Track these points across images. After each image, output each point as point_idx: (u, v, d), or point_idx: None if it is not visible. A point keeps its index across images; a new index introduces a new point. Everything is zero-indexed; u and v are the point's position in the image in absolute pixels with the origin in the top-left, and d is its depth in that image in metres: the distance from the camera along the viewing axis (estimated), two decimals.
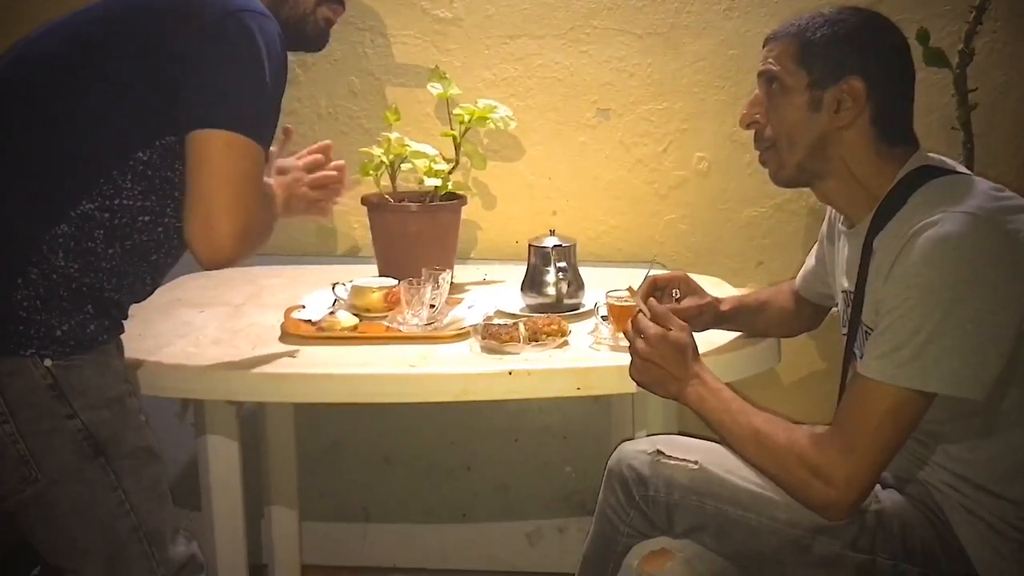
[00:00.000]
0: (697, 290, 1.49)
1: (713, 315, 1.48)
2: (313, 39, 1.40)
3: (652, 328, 1.26)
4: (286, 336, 1.52)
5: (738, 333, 1.54)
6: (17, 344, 1.15)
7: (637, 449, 1.28)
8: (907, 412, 1.08)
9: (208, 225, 1.13)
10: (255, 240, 1.20)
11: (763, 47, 1.26)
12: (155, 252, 1.25)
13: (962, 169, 1.22)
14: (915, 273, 1.07)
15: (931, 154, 1.22)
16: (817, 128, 1.19)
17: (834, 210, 1.36)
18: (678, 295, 1.46)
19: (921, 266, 1.06)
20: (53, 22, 1.25)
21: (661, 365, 1.25)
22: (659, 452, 1.25)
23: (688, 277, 1.49)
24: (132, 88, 1.17)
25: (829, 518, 1.14)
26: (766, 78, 1.23)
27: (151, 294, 1.32)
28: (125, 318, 1.28)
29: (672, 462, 1.24)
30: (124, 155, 1.17)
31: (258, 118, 1.18)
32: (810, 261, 1.49)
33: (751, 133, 1.27)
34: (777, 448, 1.15)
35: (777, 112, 1.22)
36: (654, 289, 1.45)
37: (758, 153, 1.27)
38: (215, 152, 1.13)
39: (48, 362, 1.16)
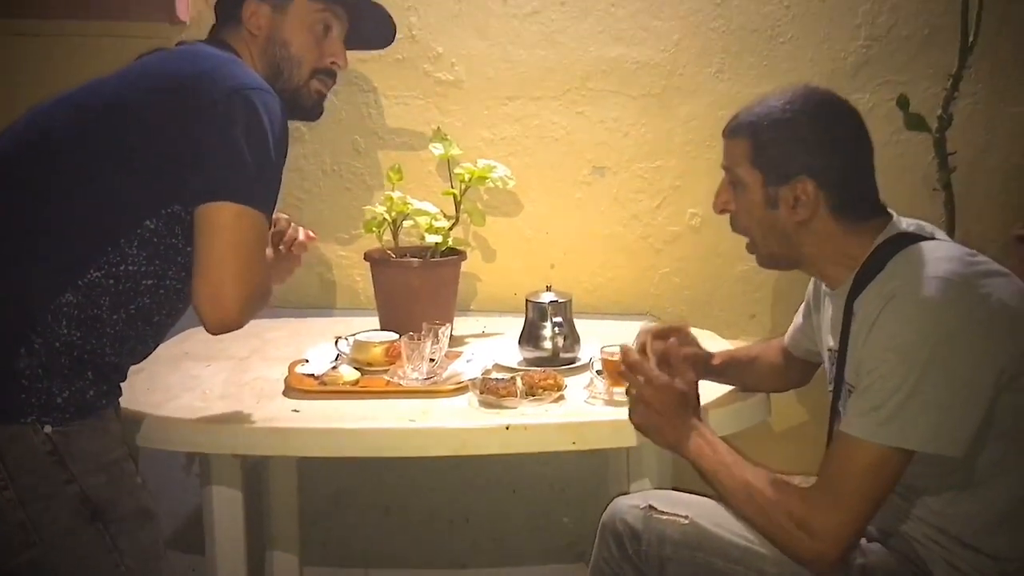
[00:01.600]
0: (694, 342, 1.55)
1: (704, 367, 1.53)
2: (308, 109, 1.47)
3: (661, 377, 1.30)
4: (290, 390, 1.57)
5: (730, 387, 1.58)
6: (18, 411, 1.17)
7: (630, 504, 1.32)
8: (888, 468, 1.12)
9: (217, 292, 1.18)
10: (258, 305, 1.24)
11: (722, 138, 1.31)
12: (157, 314, 1.29)
13: (940, 235, 1.27)
14: (893, 335, 1.12)
15: (906, 219, 1.28)
16: (779, 223, 1.26)
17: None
18: (676, 343, 1.50)
19: (898, 328, 1.11)
20: (65, 93, 1.29)
21: (662, 413, 1.29)
22: (651, 507, 1.29)
23: (688, 329, 1.55)
24: (142, 161, 1.22)
25: (816, 571, 1.18)
26: (728, 173, 1.30)
27: (150, 354, 1.36)
28: (124, 380, 1.31)
29: (664, 517, 1.28)
30: (132, 225, 1.22)
31: (264, 190, 1.23)
32: (798, 319, 1.54)
33: None
34: (766, 502, 1.19)
35: (742, 206, 1.29)
36: (656, 338, 1.49)
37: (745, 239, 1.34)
38: (224, 224, 1.18)
39: (48, 428, 1.18)
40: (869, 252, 1.23)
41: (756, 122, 1.26)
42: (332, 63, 1.46)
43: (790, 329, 1.57)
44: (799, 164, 1.22)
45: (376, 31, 1.60)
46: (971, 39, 1.88)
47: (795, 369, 1.58)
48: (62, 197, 1.21)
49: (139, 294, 1.25)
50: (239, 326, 1.22)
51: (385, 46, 1.69)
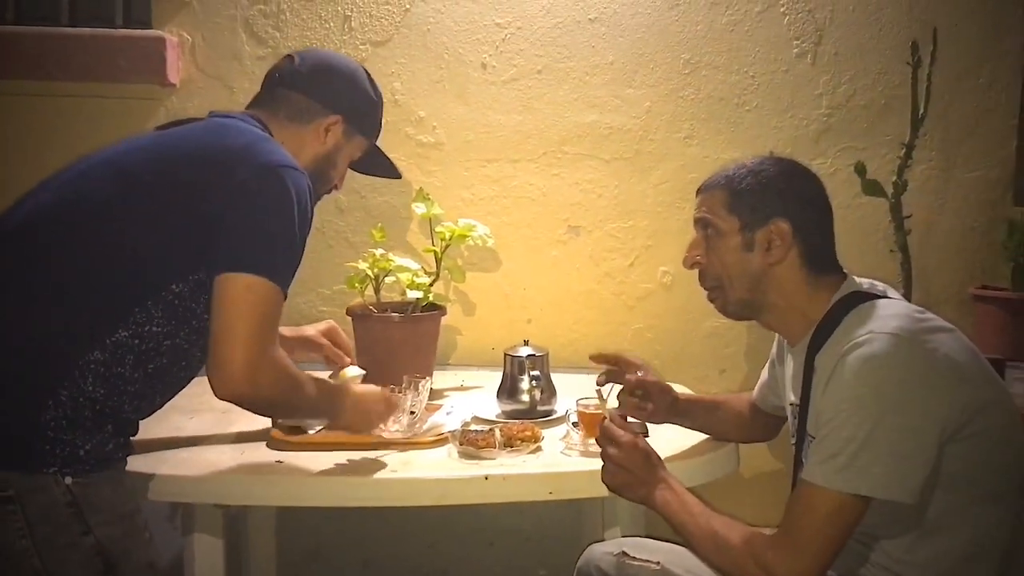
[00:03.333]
0: (652, 372, 1.62)
1: (670, 407, 1.59)
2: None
3: (624, 436, 1.35)
4: (273, 442, 1.60)
5: (702, 437, 1.64)
6: (41, 462, 1.20)
7: (604, 551, 1.36)
8: (846, 514, 1.17)
9: (223, 357, 1.23)
10: (273, 377, 1.27)
11: (696, 195, 1.41)
12: (169, 375, 1.34)
13: (892, 293, 1.35)
14: (847, 387, 1.19)
15: (861, 279, 1.36)
16: (752, 266, 1.33)
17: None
18: (641, 393, 1.57)
19: (852, 381, 1.18)
20: (99, 156, 1.34)
21: (631, 470, 1.34)
22: (624, 553, 1.34)
23: (643, 364, 1.62)
24: (174, 228, 1.27)
25: None
26: (702, 224, 1.38)
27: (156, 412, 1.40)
28: (135, 435, 1.35)
29: (636, 563, 1.33)
30: (160, 287, 1.27)
31: (283, 264, 1.29)
32: (764, 375, 1.61)
33: None
34: (732, 548, 1.24)
35: (715, 254, 1.36)
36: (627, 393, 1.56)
37: (706, 292, 1.41)
38: (238, 294, 1.24)
39: (69, 480, 1.21)
40: (826, 310, 1.30)
41: (732, 175, 1.36)
42: (337, 186, 1.61)
43: (758, 384, 1.64)
44: (775, 207, 1.32)
45: (378, 168, 1.74)
46: (921, 112, 2.01)
47: (761, 423, 1.64)
48: (96, 259, 1.26)
49: (159, 354, 1.29)
50: (250, 395, 1.26)
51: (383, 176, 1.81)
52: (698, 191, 1.41)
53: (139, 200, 1.28)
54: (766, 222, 1.32)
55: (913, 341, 1.20)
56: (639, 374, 1.58)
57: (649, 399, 1.57)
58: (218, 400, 1.80)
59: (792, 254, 1.32)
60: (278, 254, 1.28)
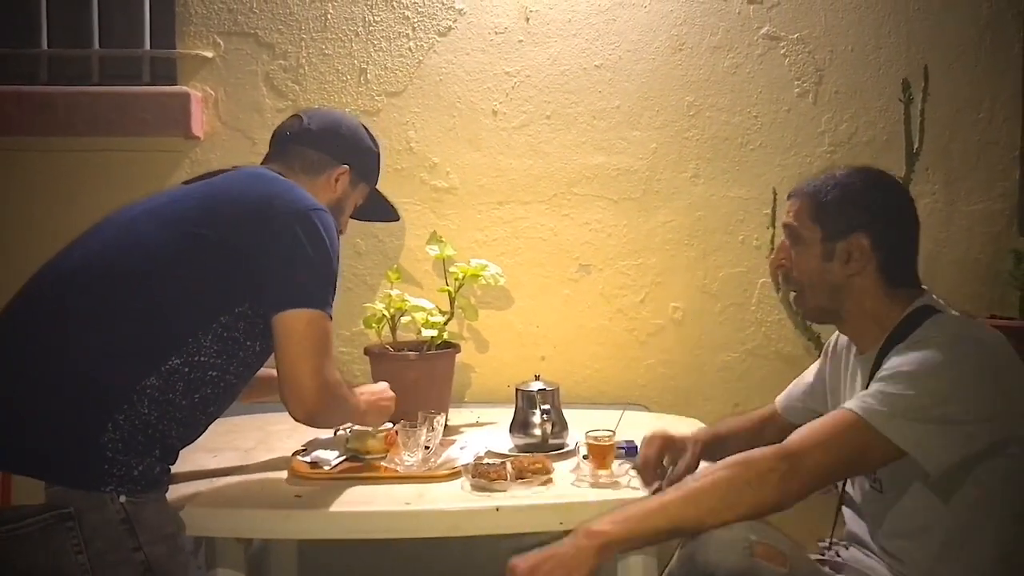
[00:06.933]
0: (680, 445, 1.55)
1: (699, 452, 1.55)
2: None
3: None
4: (292, 478, 1.64)
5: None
6: (100, 481, 1.30)
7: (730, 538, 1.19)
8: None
9: (298, 386, 1.38)
10: (336, 394, 1.45)
11: (787, 199, 1.45)
12: (212, 404, 1.44)
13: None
14: (928, 351, 1.22)
15: (937, 297, 1.39)
16: (831, 275, 1.37)
17: (839, 340, 1.52)
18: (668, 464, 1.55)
19: (933, 351, 1.21)
20: (143, 206, 1.48)
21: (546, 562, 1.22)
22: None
23: (666, 438, 1.55)
24: (218, 266, 1.39)
25: None
26: (788, 230, 1.41)
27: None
28: (174, 465, 1.44)
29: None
30: (209, 320, 1.38)
31: (329, 294, 1.44)
32: (806, 377, 1.61)
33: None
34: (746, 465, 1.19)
35: (798, 260, 1.40)
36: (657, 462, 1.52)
37: (791, 293, 1.47)
38: (300, 329, 1.38)
39: (123, 498, 1.31)
40: (899, 319, 1.33)
41: (819, 185, 1.40)
42: (341, 230, 1.70)
43: (788, 391, 1.64)
44: (857, 222, 1.35)
45: (378, 213, 1.87)
46: (916, 147, 2.05)
47: (772, 434, 1.57)
48: (151, 297, 1.37)
49: (204, 383, 1.40)
50: (321, 413, 1.43)
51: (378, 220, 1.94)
52: (789, 195, 1.45)
53: (186, 244, 1.40)
54: (847, 235, 1.35)
55: (999, 344, 1.24)
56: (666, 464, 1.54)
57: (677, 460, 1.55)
58: (241, 440, 1.89)
59: (870, 267, 1.35)
60: (323, 286, 1.43)
